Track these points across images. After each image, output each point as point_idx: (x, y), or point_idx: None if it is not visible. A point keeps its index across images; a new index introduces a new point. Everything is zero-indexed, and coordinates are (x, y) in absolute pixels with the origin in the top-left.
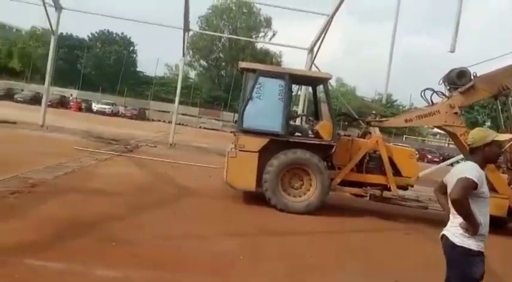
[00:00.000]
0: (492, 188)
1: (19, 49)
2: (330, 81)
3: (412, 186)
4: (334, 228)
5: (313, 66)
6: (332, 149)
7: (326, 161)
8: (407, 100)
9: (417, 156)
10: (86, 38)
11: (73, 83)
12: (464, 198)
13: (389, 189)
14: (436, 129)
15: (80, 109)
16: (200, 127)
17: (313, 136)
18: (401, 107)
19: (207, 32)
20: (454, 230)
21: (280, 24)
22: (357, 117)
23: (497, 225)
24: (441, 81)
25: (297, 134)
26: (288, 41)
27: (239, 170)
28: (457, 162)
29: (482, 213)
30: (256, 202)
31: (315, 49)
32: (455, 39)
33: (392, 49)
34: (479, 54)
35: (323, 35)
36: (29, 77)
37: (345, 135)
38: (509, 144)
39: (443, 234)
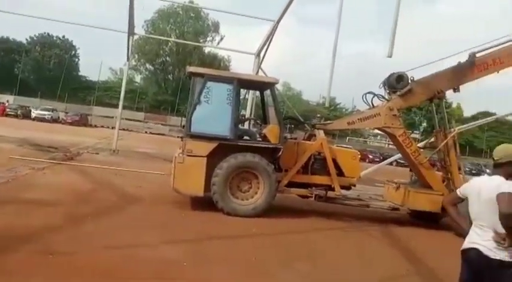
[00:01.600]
0: (428, 185)
1: None
2: (277, 85)
3: (355, 185)
4: (279, 229)
5: (260, 71)
6: (279, 152)
7: (273, 163)
8: (350, 103)
9: (359, 156)
10: (24, 41)
11: (10, 88)
12: None
13: (333, 189)
14: (376, 131)
15: (5, 114)
16: (146, 132)
17: (261, 140)
18: (344, 110)
19: (152, 36)
20: (487, 243)
21: (228, 29)
22: (302, 120)
23: (432, 220)
24: (381, 85)
25: (245, 137)
26: (237, 45)
27: (187, 176)
28: (396, 161)
29: None
30: (204, 207)
31: (262, 54)
32: (392, 45)
33: (335, 54)
34: (417, 59)
35: (269, 40)
36: None
37: (291, 138)
38: (442, 144)
39: (474, 248)
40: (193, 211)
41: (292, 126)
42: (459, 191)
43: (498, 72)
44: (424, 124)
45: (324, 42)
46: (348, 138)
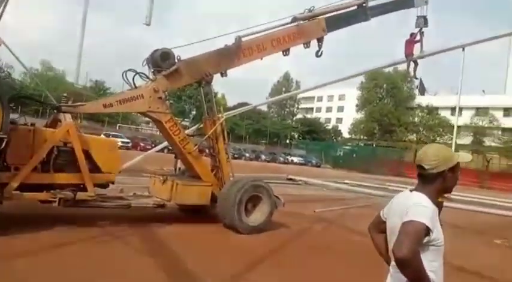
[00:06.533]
0: (197, 176)
1: None
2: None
3: (113, 183)
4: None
5: None
6: (2, 143)
7: None
8: (120, 88)
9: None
10: None
11: None
12: (414, 255)
13: (86, 190)
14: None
15: None
16: None
17: None
18: None
19: None
20: None
21: None
22: (41, 101)
23: (202, 212)
24: (145, 63)
25: None
26: None
27: None
28: (167, 148)
29: (434, 267)
30: None
31: None
32: (151, 12)
33: (83, 34)
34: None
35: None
36: None
37: (25, 125)
38: (211, 130)
39: None
40: None
41: (48, 110)
42: (382, 212)
43: (261, 59)
44: (194, 112)
45: (98, 24)
46: (118, 125)
